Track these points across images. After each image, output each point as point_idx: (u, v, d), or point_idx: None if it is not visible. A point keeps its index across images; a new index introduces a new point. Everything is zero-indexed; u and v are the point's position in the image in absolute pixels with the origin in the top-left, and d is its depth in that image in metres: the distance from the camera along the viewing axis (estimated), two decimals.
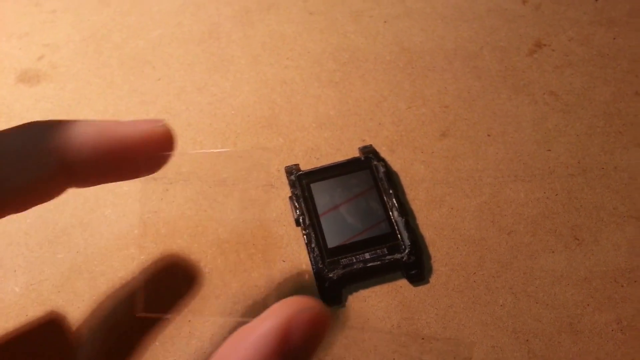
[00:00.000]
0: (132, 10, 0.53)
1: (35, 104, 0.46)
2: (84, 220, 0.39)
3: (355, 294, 0.35)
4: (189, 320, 0.35)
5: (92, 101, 0.46)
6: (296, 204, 0.37)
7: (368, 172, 0.39)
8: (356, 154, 0.41)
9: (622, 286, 0.35)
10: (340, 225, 0.36)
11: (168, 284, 0.36)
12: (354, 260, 0.35)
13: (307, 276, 0.36)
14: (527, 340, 0.33)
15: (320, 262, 0.35)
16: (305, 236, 0.36)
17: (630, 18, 0.48)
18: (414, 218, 0.38)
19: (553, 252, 0.36)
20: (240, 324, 0.21)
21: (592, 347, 0.33)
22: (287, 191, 0.39)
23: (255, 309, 0.35)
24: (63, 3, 0.54)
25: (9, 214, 0.24)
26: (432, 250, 0.37)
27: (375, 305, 0.35)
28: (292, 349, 0.20)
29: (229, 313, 0.35)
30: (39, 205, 0.25)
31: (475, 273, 0.36)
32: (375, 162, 0.39)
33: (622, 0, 0.50)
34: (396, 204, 0.37)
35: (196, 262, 0.37)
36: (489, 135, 0.41)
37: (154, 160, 0.26)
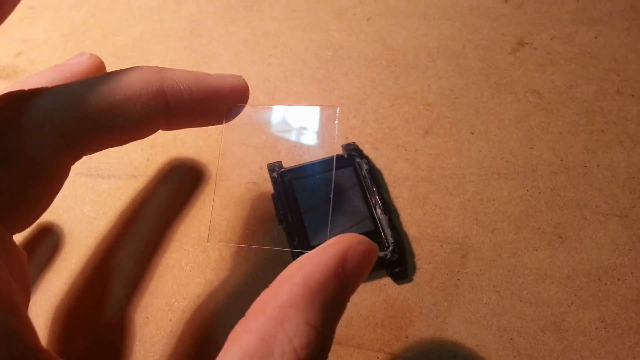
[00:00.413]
0: (112, 6, 0.52)
1: None
2: (62, 218, 0.38)
3: None
4: (170, 320, 0.34)
5: None
6: (279, 202, 0.37)
7: (351, 170, 0.38)
8: (339, 151, 0.40)
9: (606, 284, 0.35)
10: (323, 223, 0.36)
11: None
12: None
13: None
14: (511, 339, 0.33)
15: None
16: (287, 234, 0.36)
17: (612, 17, 0.48)
18: (397, 216, 0.38)
19: (536, 250, 0.36)
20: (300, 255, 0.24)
21: (576, 345, 0.33)
22: (270, 188, 0.39)
23: (237, 306, 0.34)
24: None
25: (111, 146, 0.28)
26: (415, 248, 0.36)
27: (358, 303, 0.34)
28: (347, 273, 0.24)
29: (211, 311, 0.34)
30: None
31: (458, 271, 0.35)
32: (358, 160, 0.39)
33: None
34: (379, 202, 0.36)
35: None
36: (472, 133, 0.41)
37: (232, 110, 0.31)
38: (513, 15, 0.49)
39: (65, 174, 0.27)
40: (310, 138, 0.37)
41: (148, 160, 0.41)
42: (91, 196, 0.39)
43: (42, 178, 0.25)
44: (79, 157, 0.27)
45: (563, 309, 0.34)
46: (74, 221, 0.38)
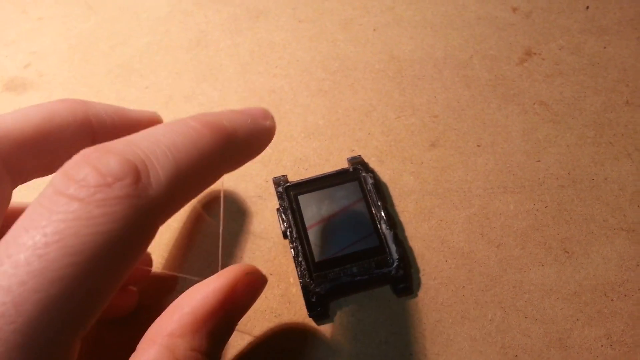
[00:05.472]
0: (119, 18, 0.52)
1: None
2: None
3: (343, 308, 0.35)
4: None
5: None
6: (283, 217, 0.37)
7: (356, 184, 0.38)
8: (345, 164, 0.40)
9: (612, 300, 0.34)
10: (328, 238, 0.36)
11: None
12: (342, 274, 0.34)
13: (294, 290, 0.36)
14: (516, 356, 0.33)
15: (308, 275, 0.35)
16: (292, 249, 0.36)
17: (621, 26, 0.48)
18: (402, 230, 0.38)
19: (543, 265, 0.36)
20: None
21: None
22: (275, 202, 0.39)
23: (241, 324, 0.34)
24: (50, 10, 0.53)
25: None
26: (420, 263, 0.36)
27: (363, 319, 0.34)
28: (234, 304, 0.26)
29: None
30: None
31: (464, 287, 0.35)
32: (363, 174, 0.38)
33: (613, 8, 0.50)
34: (384, 217, 0.36)
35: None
36: (478, 146, 0.41)
37: None
38: (521, 25, 0.49)
39: (7, 200, 0.28)
40: None
41: None
42: None
43: None
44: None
45: (569, 326, 0.34)
46: None
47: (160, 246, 0.38)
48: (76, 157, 0.21)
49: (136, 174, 0.20)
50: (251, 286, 0.27)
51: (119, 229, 0.19)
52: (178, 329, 0.24)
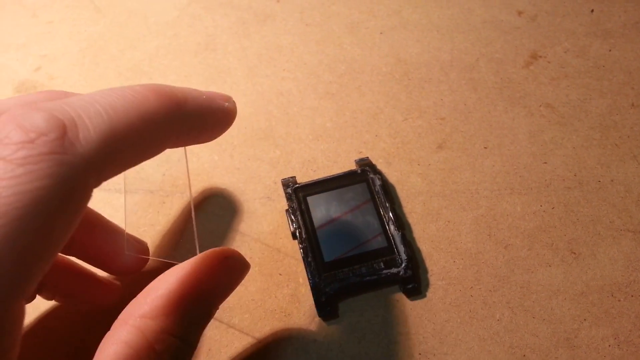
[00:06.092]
0: (128, 21, 0.53)
1: None
2: None
3: (352, 308, 0.35)
4: None
5: None
6: (293, 218, 0.37)
7: (364, 185, 0.39)
8: (353, 166, 0.41)
9: (619, 300, 0.35)
10: (337, 238, 0.36)
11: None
12: (351, 275, 0.35)
13: (303, 290, 0.36)
14: (524, 356, 0.33)
15: (317, 275, 0.35)
16: (301, 250, 0.36)
17: (626, 29, 0.48)
18: (410, 231, 0.38)
19: (550, 266, 0.36)
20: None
21: None
22: (284, 204, 0.39)
23: (251, 323, 0.35)
24: (60, 14, 0.54)
25: None
26: (428, 264, 0.37)
27: (371, 319, 0.35)
28: (211, 288, 0.26)
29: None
30: None
31: (472, 287, 0.36)
32: (371, 175, 0.39)
33: (618, 11, 0.50)
34: (392, 218, 0.37)
35: None
36: (485, 148, 0.41)
37: None
38: (526, 28, 0.49)
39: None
40: None
41: (164, 175, 0.41)
42: (109, 211, 0.40)
43: None
44: None
45: (576, 326, 0.34)
46: None
47: (165, 239, 0.38)
48: (2, 117, 0.20)
49: (62, 130, 0.19)
50: (230, 270, 0.27)
51: (45, 187, 0.18)
52: (150, 311, 0.24)
